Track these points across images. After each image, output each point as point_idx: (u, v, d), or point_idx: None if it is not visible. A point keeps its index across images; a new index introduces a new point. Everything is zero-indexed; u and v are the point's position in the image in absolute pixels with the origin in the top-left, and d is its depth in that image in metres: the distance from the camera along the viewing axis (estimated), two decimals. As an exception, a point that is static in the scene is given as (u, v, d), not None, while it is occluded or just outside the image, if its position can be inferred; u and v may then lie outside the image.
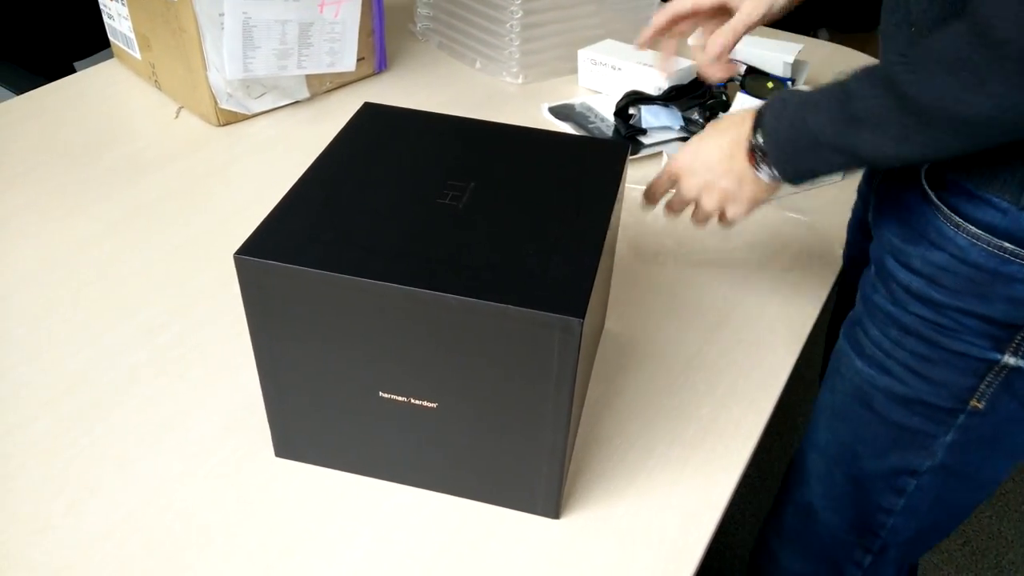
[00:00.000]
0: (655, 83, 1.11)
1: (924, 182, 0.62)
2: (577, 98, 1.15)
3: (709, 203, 0.69)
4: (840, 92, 0.57)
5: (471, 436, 0.57)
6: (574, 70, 1.21)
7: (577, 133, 1.07)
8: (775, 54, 1.16)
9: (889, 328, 0.66)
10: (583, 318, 0.49)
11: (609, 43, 1.19)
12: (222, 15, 0.96)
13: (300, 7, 1.01)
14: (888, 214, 0.67)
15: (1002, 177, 0.57)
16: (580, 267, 0.53)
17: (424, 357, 0.54)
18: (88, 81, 1.14)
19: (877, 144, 0.55)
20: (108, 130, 1.02)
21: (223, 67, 0.99)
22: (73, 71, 1.65)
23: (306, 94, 1.10)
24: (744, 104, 1.08)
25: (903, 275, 0.64)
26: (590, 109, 1.12)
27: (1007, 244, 0.57)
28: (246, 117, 1.06)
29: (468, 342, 0.52)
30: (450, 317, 0.51)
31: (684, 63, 1.11)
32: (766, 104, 0.64)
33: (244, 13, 0.97)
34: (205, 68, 0.99)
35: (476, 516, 0.61)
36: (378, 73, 1.18)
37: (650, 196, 0.76)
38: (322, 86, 1.11)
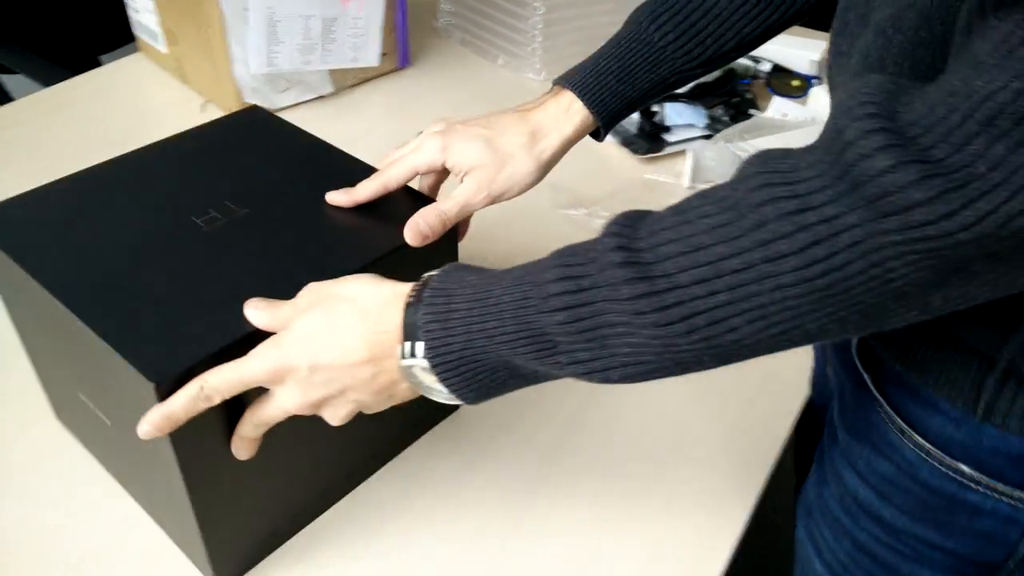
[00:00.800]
0: (679, 80, 1.10)
1: (856, 358, 0.49)
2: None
3: (335, 415, 0.47)
4: (531, 331, 0.40)
5: None
6: (597, 67, 1.20)
7: (600, 130, 1.06)
8: (801, 52, 1.15)
9: (842, 539, 0.53)
10: (157, 383, 0.44)
11: (633, 40, 1.19)
12: (247, 10, 0.96)
13: (324, 2, 1.01)
14: (836, 378, 0.54)
15: (950, 374, 0.43)
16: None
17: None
18: (114, 74, 1.15)
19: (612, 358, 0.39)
20: (134, 123, 1.02)
21: (248, 61, 1.00)
22: (98, 64, 1.66)
23: (330, 89, 1.10)
24: (778, 107, 1.07)
25: (850, 478, 0.51)
26: (613, 106, 1.11)
27: (963, 467, 0.44)
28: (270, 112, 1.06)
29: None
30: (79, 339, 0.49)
31: (709, 60, 1.11)
32: (415, 299, 0.44)
33: (268, 8, 0.97)
34: (230, 62, 0.99)
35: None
36: (401, 69, 1.18)
37: (187, 409, 0.45)
38: (346, 81, 1.12)
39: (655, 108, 1.06)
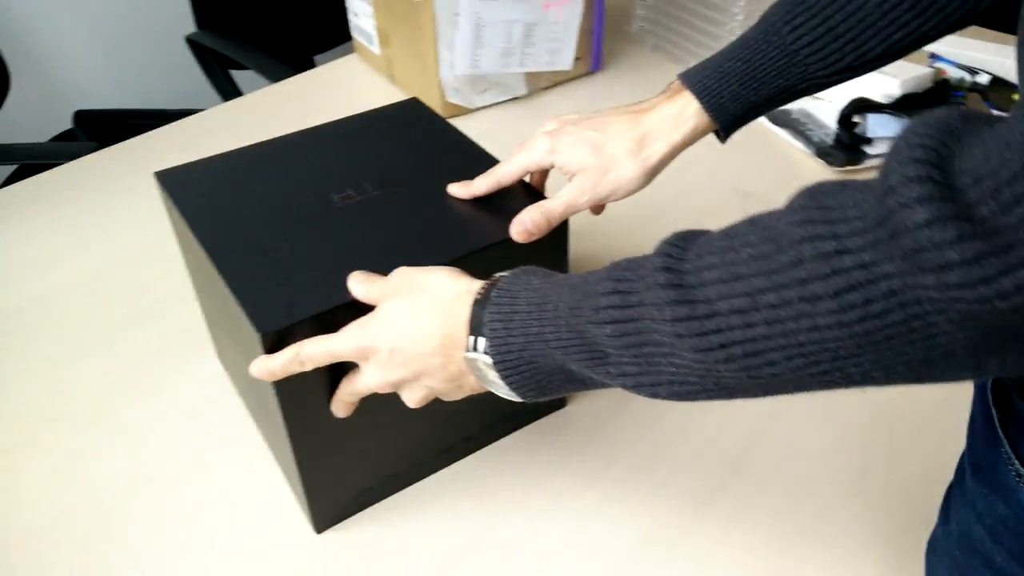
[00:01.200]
0: (885, 90, 1.05)
1: (989, 392, 0.46)
2: (795, 103, 1.12)
3: (411, 398, 0.51)
4: (583, 340, 0.42)
5: None
6: (793, 75, 1.17)
7: (793, 140, 1.04)
8: None
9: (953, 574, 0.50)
10: (263, 332, 0.50)
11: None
12: (457, 15, 1.02)
13: (527, 8, 1.05)
14: (972, 409, 0.50)
15: None
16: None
17: None
18: (332, 73, 1.25)
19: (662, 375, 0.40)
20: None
21: (454, 63, 1.06)
22: (313, 64, 1.82)
23: (524, 91, 1.15)
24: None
25: (970, 517, 0.48)
26: (808, 116, 1.08)
27: None
28: (468, 111, 1.12)
29: None
30: None
31: (921, 70, 1.05)
32: (483, 297, 0.47)
33: (477, 13, 1.03)
34: (437, 64, 1.06)
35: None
36: (592, 73, 1.21)
37: (285, 367, 0.51)
38: (539, 84, 1.16)
39: (856, 119, 1.02)
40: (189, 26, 1.62)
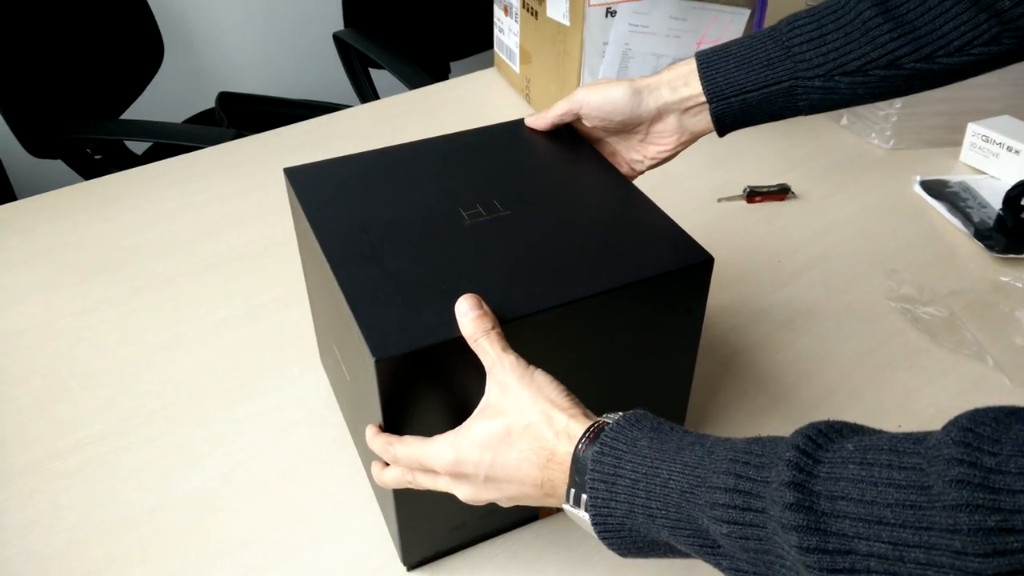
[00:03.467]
0: (1063, 176, 0.95)
1: None
2: (955, 175, 1.03)
3: (469, 499, 0.50)
4: (695, 527, 0.40)
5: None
6: (957, 143, 1.08)
7: (950, 216, 0.95)
8: None
9: None
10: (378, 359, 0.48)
11: (1007, 120, 1.05)
12: (606, 43, 0.99)
13: (680, 43, 1.01)
14: None
15: None
16: None
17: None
18: (469, 85, 1.25)
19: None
20: (477, 134, 1.11)
21: (593, 92, 1.03)
22: (448, 68, 1.83)
23: (661, 127, 1.11)
24: None
25: None
26: (968, 190, 0.99)
27: None
28: (600, 141, 1.09)
29: None
30: None
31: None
32: (585, 448, 0.44)
33: (626, 44, 1.00)
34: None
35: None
36: (735, 115, 1.15)
37: (381, 452, 0.52)
38: (678, 121, 1.11)
39: (1026, 202, 0.93)
40: (337, 23, 1.65)
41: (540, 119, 0.69)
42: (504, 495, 0.48)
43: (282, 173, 0.65)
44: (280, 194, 0.99)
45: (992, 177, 1.02)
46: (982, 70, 0.59)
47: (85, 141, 1.43)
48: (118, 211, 0.97)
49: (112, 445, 0.69)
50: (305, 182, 0.63)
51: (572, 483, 0.44)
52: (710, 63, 0.62)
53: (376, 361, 0.48)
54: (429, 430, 0.52)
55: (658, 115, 0.65)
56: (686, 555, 0.43)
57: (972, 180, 1.01)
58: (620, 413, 0.45)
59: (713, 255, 0.56)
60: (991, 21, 0.56)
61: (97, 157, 1.46)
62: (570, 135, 0.69)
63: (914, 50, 0.58)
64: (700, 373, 0.74)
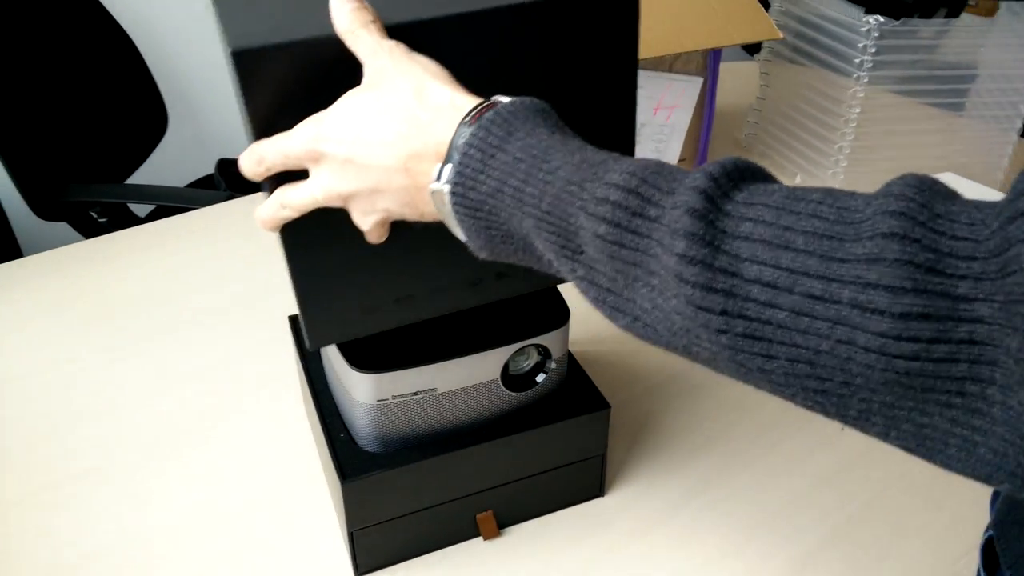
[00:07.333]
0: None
1: (981, 548, 0.42)
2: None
3: (364, 221, 0.43)
4: (565, 223, 0.35)
5: None
6: (902, 198, 1.15)
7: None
8: None
9: None
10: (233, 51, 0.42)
11: (950, 177, 1.12)
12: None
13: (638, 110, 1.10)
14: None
15: None
16: None
17: None
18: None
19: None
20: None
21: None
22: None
23: (626, 185, 1.18)
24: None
25: None
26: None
27: None
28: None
29: None
30: None
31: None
32: (473, 121, 0.38)
33: (587, 110, 1.08)
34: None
35: None
36: (696, 174, 1.23)
37: (249, 169, 0.46)
38: (642, 180, 1.19)
39: None
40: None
41: None
42: (363, 181, 0.41)
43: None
44: (272, 243, 1.06)
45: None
46: None
47: (89, 204, 1.51)
48: (118, 267, 1.04)
49: (95, 480, 0.75)
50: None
51: (447, 159, 0.38)
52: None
53: (232, 53, 0.41)
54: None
55: None
56: (539, 260, 0.38)
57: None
58: (524, 97, 0.39)
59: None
60: None
61: (102, 220, 1.54)
62: None
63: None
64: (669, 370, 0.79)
